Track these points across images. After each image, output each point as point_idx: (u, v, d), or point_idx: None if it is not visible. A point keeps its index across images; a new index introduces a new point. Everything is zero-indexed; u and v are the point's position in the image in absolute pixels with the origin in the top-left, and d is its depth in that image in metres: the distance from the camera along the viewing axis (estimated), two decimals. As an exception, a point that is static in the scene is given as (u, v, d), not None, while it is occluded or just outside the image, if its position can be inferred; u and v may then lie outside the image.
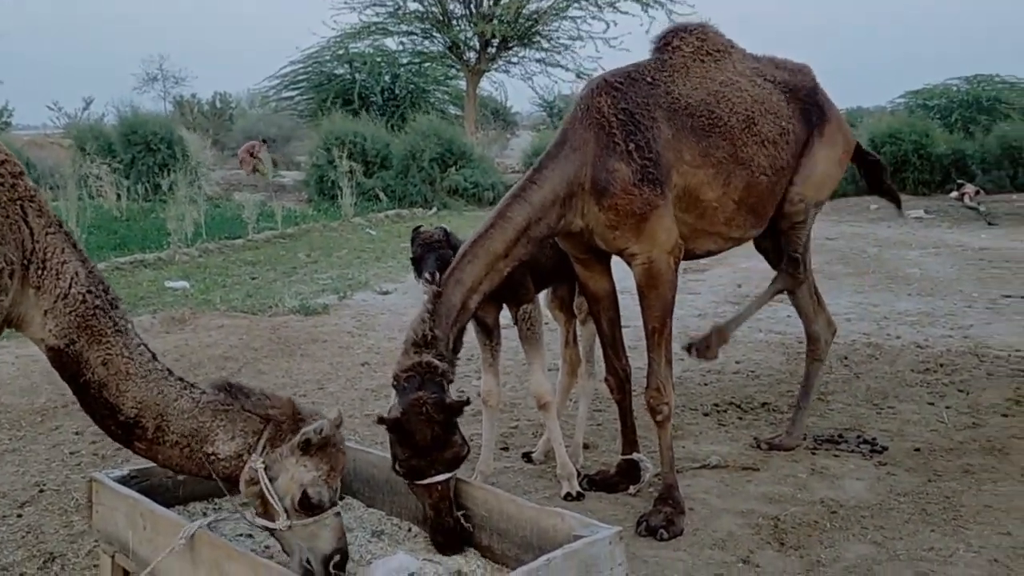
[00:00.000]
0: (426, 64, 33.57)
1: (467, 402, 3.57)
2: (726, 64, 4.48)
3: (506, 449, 5.11)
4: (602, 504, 4.30)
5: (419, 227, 4.25)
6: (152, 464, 3.45)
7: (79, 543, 3.98)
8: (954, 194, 20.54)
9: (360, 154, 20.70)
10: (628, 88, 4.17)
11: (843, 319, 7.89)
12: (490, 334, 4.46)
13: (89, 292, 2.98)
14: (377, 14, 31.64)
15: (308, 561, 2.95)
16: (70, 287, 2.96)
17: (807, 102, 4.62)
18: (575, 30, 31.26)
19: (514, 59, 32.99)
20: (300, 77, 33.23)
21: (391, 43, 32.91)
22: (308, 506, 2.93)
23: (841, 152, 4.80)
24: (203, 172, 19.15)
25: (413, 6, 31.33)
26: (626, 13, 30.05)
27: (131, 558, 3.17)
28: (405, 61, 33.16)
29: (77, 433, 5.39)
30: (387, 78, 32.51)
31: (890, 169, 5.87)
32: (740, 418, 5.64)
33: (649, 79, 4.26)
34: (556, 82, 47.85)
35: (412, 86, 32.69)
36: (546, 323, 4.71)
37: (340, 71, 32.85)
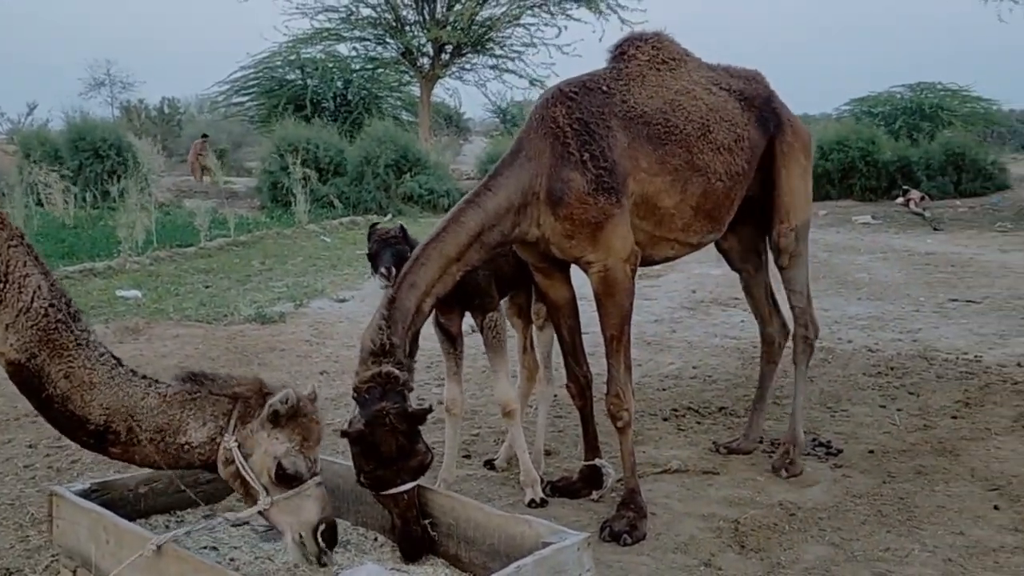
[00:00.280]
0: (379, 70, 33.52)
1: (430, 410, 3.58)
2: (681, 73, 4.53)
3: (468, 457, 5.12)
4: (565, 510, 4.33)
5: (376, 223, 4.25)
6: (113, 477, 3.42)
7: (36, 558, 3.91)
8: (900, 200, 21.01)
9: (314, 160, 20.62)
10: (583, 97, 4.19)
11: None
12: (454, 342, 4.47)
13: (51, 306, 2.95)
14: (330, 19, 31.59)
15: (301, 537, 2.94)
16: (32, 301, 2.93)
17: (763, 109, 4.69)
18: (528, 37, 31.48)
19: (467, 65, 33.13)
20: (251, 82, 32.98)
21: (343, 49, 32.86)
22: (285, 478, 2.92)
23: (804, 159, 4.87)
24: (153, 179, 18.88)
25: (366, 12, 31.28)
26: (579, 20, 30.29)
27: (93, 572, 3.14)
28: (358, 67, 33.06)
29: (31, 446, 5.29)
30: (339, 84, 32.39)
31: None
32: (698, 423, 5.72)
33: (604, 88, 4.28)
34: (510, 88, 47.93)
35: (365, 92, 32.60)
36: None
37: (292, 77, 32.66)
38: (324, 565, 3.02)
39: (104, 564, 3.06)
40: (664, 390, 6.44)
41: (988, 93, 37.66)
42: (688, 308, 9.66)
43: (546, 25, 30.94)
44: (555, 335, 4.76)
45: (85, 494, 3.30)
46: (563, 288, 4.46)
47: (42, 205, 17.27)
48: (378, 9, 31.26)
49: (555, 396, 5.46)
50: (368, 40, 32.24)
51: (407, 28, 31.28)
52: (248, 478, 2.92)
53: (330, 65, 32.33)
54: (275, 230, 16.43)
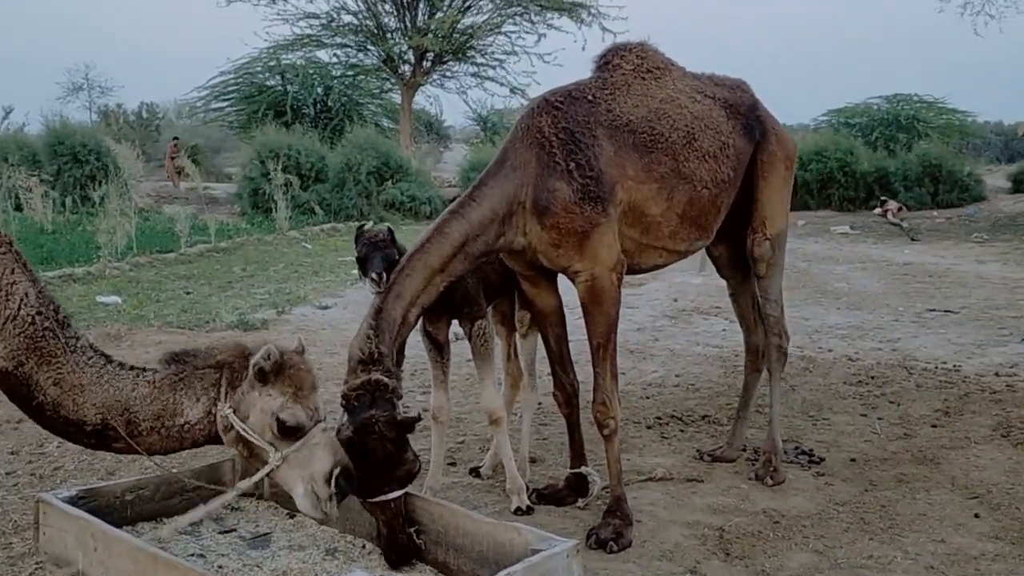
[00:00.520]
0: (360, 77, 33.45)
1: (418, 419, 3.60)
2: (666, 82, 4.56)
3: (453, 464, 5.13)
4: (551, 518, 4.34)
5: (363, 226, 4.20)
6: (99, 483, 3.41)
7: (19, 565, 3.87)
8: (878, 210, 21.23)
9: (295, 167, 20.55)
10: (568, 107, 4.22)
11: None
12: (441, 350, 4.48)
13: (39, 314, 2.94)
14: (311, 26, 31.49)
15: (313, 489, 2.93)
16: (19, 308, 2.92)
17: (748, 117, 4.74)
18: (509, 45, 31.54)
19: (449, 73, 33.11)
20: (230, 88, 32.83)
21: (324, 55, 32.78)
22: (287, 431, 2.92)
23: (785, 170, 4.92)
24: (133, 184, 18.78)
25: (347, 19, 31.26)
26: (560, 29, 30.39)
27: (80, 580, 3.13)
28: (338, 73, 33.01)
29: (13, 453, 5.25)
30: (320, 90, 32.35)
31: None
32: (682, 431, 5.75)
33: (590, 97, 4.31)
34: (491, 96, 48.10)
35: (345, 99, 32.56)
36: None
37: (272, 82, 32.56)
38: (329, 517, 2.98)
39: (92, 571, 3.05)
40: (648, 398, 6.48)
41: (963, 106, 38.18)
42: (670, 317, 9.72)
43: (527, 33, 31.05)
44: (539, 342, 4.79)
45: (72, 501, 3.29)
46: (550, 296, 4.48)
47: (20, 210, 17.12)
48: (359, 16, 31.24)
49: (539, 404, 5.48)
50: (349, 47, 32.21)
51: (388, 35, 31.26)
52: (252, 439, 2.90)
53: (311, 71, 32.26)
54: (256, 236, 16.36)
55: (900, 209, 20.95)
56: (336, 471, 2.96)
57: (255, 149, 21.44)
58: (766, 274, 4.92)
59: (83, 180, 19.63)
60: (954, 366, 7.27)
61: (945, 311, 9.73)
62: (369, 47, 31.83)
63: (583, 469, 4.58)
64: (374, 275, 3.81)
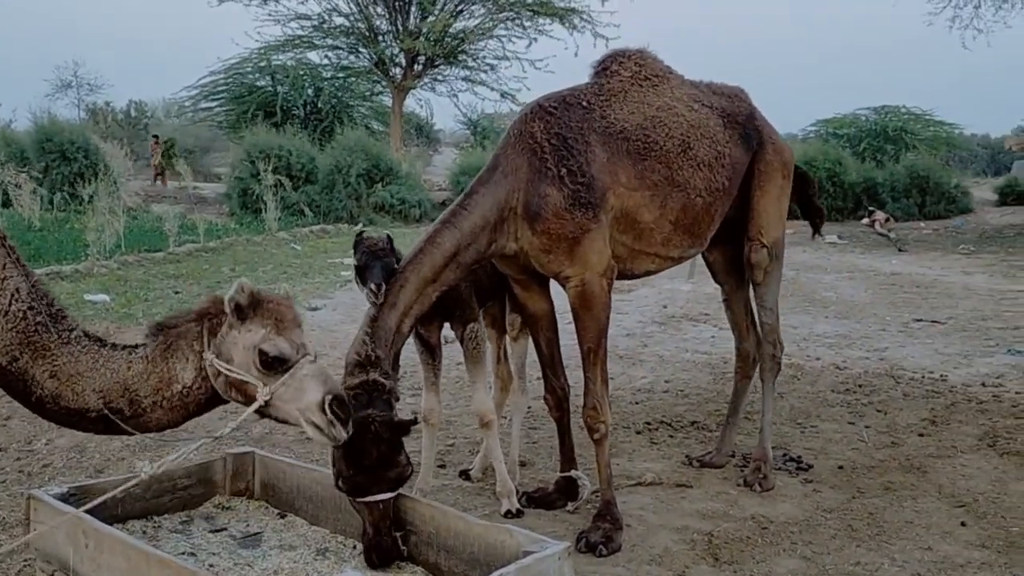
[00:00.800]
0: (351, 79, 33.42)
1: (415, 421, 3.60)
2: (664, 89, 4.56)
3: (443, 466, 5.13)
4: (541, 521, 4.35)
5: (362, 232, 4.14)
6: (89, 481, 3.40)
7: (8, 562, 3.85)
8: (865, 221, 21.37)
9: (286, 168, 20.52)
10: (562, 113, 4.22)
11: (766, 340, 8.12)
12: (433, 353, 4.48)
13: (31, 309, 2.93)
14: (302, 27, 31.45)
15: (313, 421, 2.88)
16: (10, 304, 2.90)
17: (746, 127, 4.75)
18: (501, 50, 31.57)
19: (440, 77, 33.12)
20: (220, 88, 32.76)
21: (315, 56, 32.74)
22: (270, 363, 2.87)
23: (782, 179, 4.93)
24: (122, 183, 18.71)
25: (339, 21, 31.24)
26: (552, 36, 30.45)
27: (71, 577, 3.12)
28: (329, 75, 32.97)
29: (1, 450, 5.23)
30: (310, 91, 32.30)
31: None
32: (671, 436, 5.77)
33: (584, 103, 4.31)
34: (481, 100, 48.04)
35: (336, 100, 32.52)
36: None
37: (262, 83, 32.50)
38: (336, 439, 2.91)
39: (83, 568, 3.04)
40: (637, 403, 6.49)
41: (949, 118, 38.46)
42: (659, 323, 9.74)
43: (518, 38, 31.10)
44: (529, 346, 4.80)
45: (63, 498, 3.28)
46: (542, 300, 4.49)
47: (8, 206, 17.03)
48: (351, 18, 31.23)
49: (529, 407, 5.49)
50: (341, 49, 32.19)
51: (380, 38, 31.26)
52: (240, 377, 2.85)
53: (301, 72, 32.22)
54: (245, 237, 16.32)
55: (888, 220, 21.09)
56: (328, 399, 2.88)
57: (246, 149, 21.39)
58: (763, 282, 4.95)
59: (71, 178, 19.57)
60: (941, 376, 7.32)
61: (932, 321, 9.79)
62: (360, 49, 31.82)
63: (573, 473, 4.59)
64: (373, 286, 3.73)
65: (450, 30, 30.30)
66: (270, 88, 31.97)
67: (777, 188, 4.88)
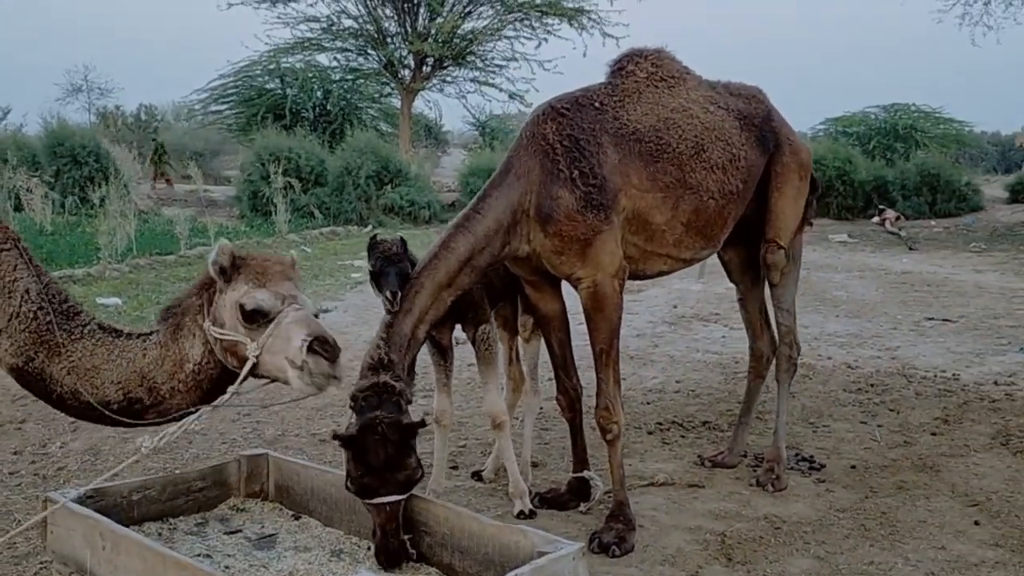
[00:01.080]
0: (360, 81, 33.47)
1: (423, 423, 3.60)
2: (679, 91, 4.53)
3: (455, 468, 5.15)
4: (554, 522, 4.36)
5: (376, 236, 4.06)
6: (105, 484, 3.43)
7: (23, 565, 3.89)
8: (876, 219, 21.29)
9: (295, 170, 20.56)
10: (574, 114, 4.22)
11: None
12: (444, 354, 4.50)
13: (40, 309, 2.96)
14: (311, 30, 31.51)
15: (301, 365, 2.82)
16: (21, 305, 2.94)
17: (763, 129, 4.72)
18: (509, 51, 31.59)
19: (448, 78, 33.15)
20: (230, 91, 32.81)
21: (324, 59, 32.79)
22: (249, 316, 2.84)
23: (799, 180, 4.90)
24: (133, 186, 18.79)
25: (347, 23, 31.29)
26: (561, 36, 30.44)
27: (88, 579, 3.14)
28: (338, 77, 33.02)
29: (16, 453, 5.27)
30: (319, 94, 32.34)
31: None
32: (683, 436, 5.77)
33: (597, 104, 4.30)
34: (489, 101, 48.14)
35: (344, 102, 32.56)
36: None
37: (271, 86, 32.54)
38: (334, 378, 2.86)
39: (100, 570, 3.06)
40: (648, 404, 6.50)
41: (959, 116, 38.32)
42: (670, 323, 9.74)
43: (527, 38, 31.09)
44: (541, 347, 4.81)
45: (80, 501, 3.30)
46: (554, 301, 4.50)
47: (20, 210, 17.12)
48: (360, 20, 31.28)
49: (540, 408, 5.50)
50: (349, 51, 32.24)
51: (389, 40, 31.30)
52: (231, 338, 2.83)
53: (310, 75, 32.27)
54: (255, 239, 16.36)
55: (898, 218, 21.01)
56: (309, 339, 2.79)
57: (256, 152, 21.45)
58: (780, 283, 4.95)
59: (82, 181, 19.64)
60: (953, 375, 7.30)
61: (943, 320, 9.77)
62: (369, 51, 31.87)
63: (585, 473, 4.59)
64: (388, 294, 3.71)
65: (459, 31, 30.33)
66: (279, 91, 32.02)
67: (794, 189, 4.87)
